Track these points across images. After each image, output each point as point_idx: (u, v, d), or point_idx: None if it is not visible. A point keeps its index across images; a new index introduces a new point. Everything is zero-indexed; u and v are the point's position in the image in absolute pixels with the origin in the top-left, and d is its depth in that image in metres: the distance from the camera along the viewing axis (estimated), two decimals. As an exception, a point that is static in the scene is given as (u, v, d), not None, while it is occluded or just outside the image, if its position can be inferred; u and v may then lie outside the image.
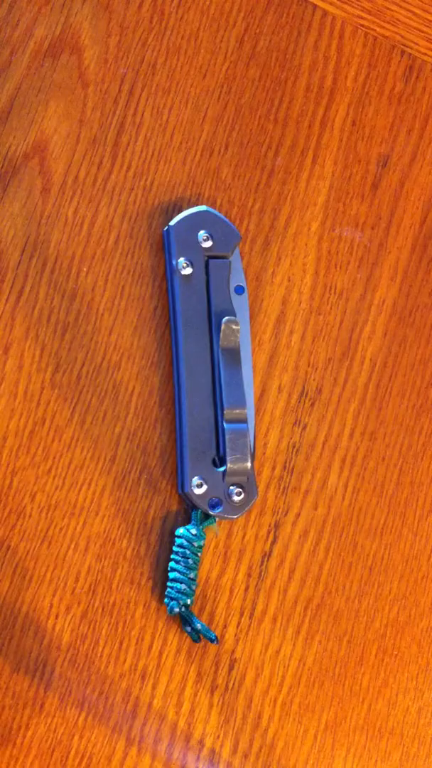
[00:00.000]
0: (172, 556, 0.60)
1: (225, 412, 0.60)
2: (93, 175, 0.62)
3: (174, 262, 0.61)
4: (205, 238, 0.62)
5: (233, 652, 0.61)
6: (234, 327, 0.60)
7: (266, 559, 0.62)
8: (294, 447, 0.64)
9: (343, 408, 0.65)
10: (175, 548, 0.60)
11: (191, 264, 0.61)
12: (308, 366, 0.64)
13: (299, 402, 0.64)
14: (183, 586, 0.59)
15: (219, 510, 0.60)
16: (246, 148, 0.65)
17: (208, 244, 0.62)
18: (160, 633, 0.60)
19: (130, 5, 0.64)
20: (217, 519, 0.61)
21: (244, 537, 0.62)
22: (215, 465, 0.60)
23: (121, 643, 0.59)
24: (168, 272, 0.62)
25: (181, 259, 0.61)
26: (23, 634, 0.58)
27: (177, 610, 0.59)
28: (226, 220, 0.63)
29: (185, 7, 0.65)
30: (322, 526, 0.63)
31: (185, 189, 0.63)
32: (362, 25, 0.68)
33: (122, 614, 0.59)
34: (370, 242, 0.66)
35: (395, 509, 0.65)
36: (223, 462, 0.60)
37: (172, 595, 0.59)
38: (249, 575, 0.62)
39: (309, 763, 0.62)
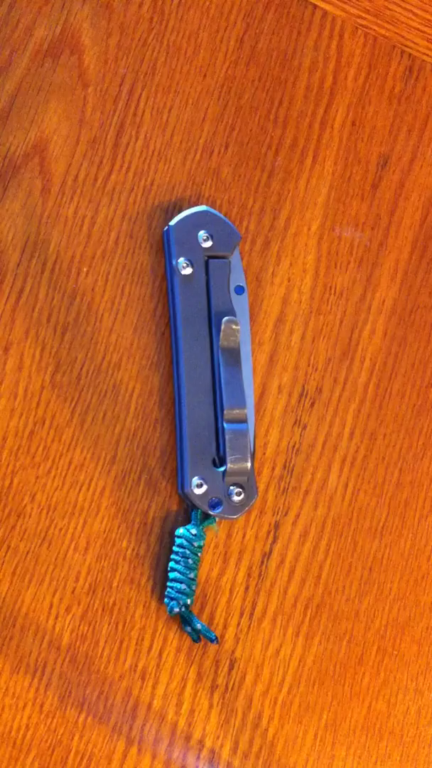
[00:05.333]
0: (172, 556, 0.60)
1: (225, 412, 0.60)
2: (93, 175, 0.62)
3: (174, 262, 0.61)
4: (205, 238, 0.62)
5: (233, 652, 0.61)
6: (234, 327, 0.60)
7: (266, 559, 0.62)
8: (294, 447, 0.64)
9: (343, 408, 0.65)
10: (175, 548, 0.60)
11: (191, 264, 0.61)
12: (308, 366, 0.64)
13: (299, 402, 0.64)
14: (183, 586, 0.59)
15: (219, 510, 0.60)
16: (246, 148, 0.65)
17: (208, 244, 0.62)
18: (160, 633, 0.60)
19: (130, 5, 0.64)
20: (217, 519, 0.61)
21: (244, 537, 0.62)
22: (215, 465, 0.60)
23: (121, 643, 0.59)
24: (168, 272, 0.62)
25: (181, 259, 0.61)
26: (23, 634, 0.58)
27: (177, 610, 0.59)
28: (226, 220, 0.63)
29: (185, 7, 0.65)
30: (322, 526, 0.64)
31: (185, 189, 0.63)
32: (362, 25, 0.68)
33: (122, 614, 0.59)
34: (370, 242, 0.66)
35: (395, 509, 0.65)
36: (223, 462, 0.60)
37: (172, 595, 0.59)
38: (249, 575, 0.62)
39: (309, 763, 0.62)
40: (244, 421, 0.60)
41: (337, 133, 0.67)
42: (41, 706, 0.58)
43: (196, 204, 0.63)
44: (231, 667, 0.61)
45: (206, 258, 0.62)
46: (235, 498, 0.60)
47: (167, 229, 0.62)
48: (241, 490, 0.60)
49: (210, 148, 0.64)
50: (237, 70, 0.65)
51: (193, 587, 0.59)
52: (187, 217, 0.62)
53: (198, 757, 0.60)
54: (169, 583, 0.59)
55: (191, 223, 0.62)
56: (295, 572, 0.63)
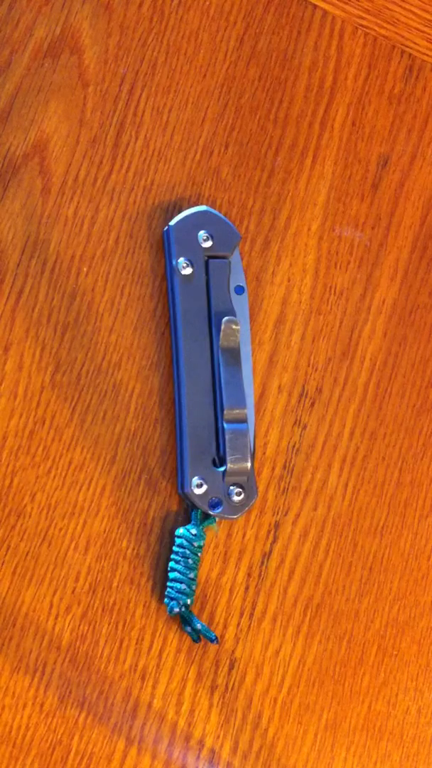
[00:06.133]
0: (172, 556, 0.60)
1: (225, 412, 0.60)
2: (93, 175, 0.62)
3: (174, 262, 0.61)
4: (205, 238, 0.62)
5: (233, 652, 0.61)
6: (234, 327, 0.60)
7: (266, 559, 0.62)
8: (294, 447, 0.64)
9: (343, 408, 0.65)
10: (175, 548, 0.60)
11: (191, 264, 0.61)
12: (308, 366, 0.64)
13: (299, 402, 0.64)
14: (183, 586, 0.59)
15: (219, 510, 0.60)
16: (246, 148, 0.65)
17: (208, 244, 0.62)
18: (160, 633, 0.60)
19: (130, 5, 0.64)
20: (217, 519, 0.61)
21: (244, 537, 0.62)
22: (215, 465, 0.60)
23: (121, 643, 0.59)
24: (168, 272, 0.62)
25: (181, 259, 0.61)
26: (23, 634, 0.58)
27: (177, 610, 0.59)
28: (226, 220, 0.63)
29: (185, 7, 0.65)
30: (322, 526, 0.64)
31: (185, 189, 0.63)
32: (362, 25, 0.68)
33: (122, 614, 0.59)
34: (370, 242, 0.66)
35: (395, 509, 0.65)
36: (223, 462, 0.60)
37: (172, 595, 0.59)
38: (249, 575, 0.62)
39: (309, 763, 0.62)
40: (244, 421, 0.60)
41: (337, 133, 0.67)
42: (41, 706, 0.58)
43: (196, 204, 0.63)
44: (231, 667, 0.61)
45: (206, 258, 0.62)
46: (235, 498, 0.60)
47: (167, 229, 0.62)
48: (241, 490, 0.60)
49: (210, 148, 0.64)
50: (237, 70, 0.65)
51: (193, 587, 0.59)
52: (187, 217, 0.62)
53: (198, 757, 0.60)
54: (169, 583, 0.59)
55: (191, 223, 0.62)
56: (295, 572, 0.63)
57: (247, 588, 0.62)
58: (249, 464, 0.60)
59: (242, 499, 0.61)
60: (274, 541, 0.63)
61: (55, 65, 0.62)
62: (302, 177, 0.66)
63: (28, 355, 0.60)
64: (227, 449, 0.60)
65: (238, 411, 0.60)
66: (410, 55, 0.68)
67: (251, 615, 0.62)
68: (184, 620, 0.60)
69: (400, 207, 0.67)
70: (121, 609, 0.59)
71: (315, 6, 0.67)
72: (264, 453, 0.63)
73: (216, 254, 0.62)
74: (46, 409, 0.60)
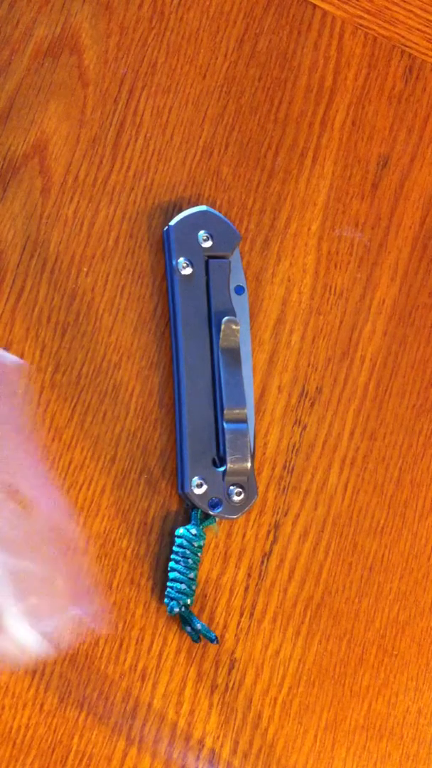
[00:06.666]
0: (172, 556, 0.60)
1: (225, 412, 0.60)
2: (93, 175, 0.62)
3: (174, 262, 0.61)
4: (205, 238, 0.62)
5: (233, 652, 0.61)
6: (234, 327, 0.60)
7: (266, 559, 0.62)
8: (294, 447, 0.64)
9: (343, 408, 0.65)
10: (175, 548, 0.60)
11: (191, 264, 0.61)
12: (308, 366, 0.64)
13: (299, 402, 0.64)
14: (183, 586, 0.59)
15: (219, 510, 0.60)
16: (246, 148, 0.65)
17: (208, 244, 0.62)
18: (160, 633, 0.60)
19: (130, 5, 0.64)
20: (217, 519, 0.61)
21: (244, 537, 0.62)
22: (215, 465, 0.60)
23: (121, 643, 0.59)
24: (168, 272, 0.62)
25: (181, 259, 0.61)
26: (23, 634, 0.58)
27: (177, 610, 0.59)
28: (226, 220, 0.63)
29: (185, 7, 0.65)
30: (322, 526, 0.64)
31: (185, 189, 0.63)
32: (362, 25, 0.68)
33: (122, 614, 0.59)
34: (370, 242, 0.66)
35: (395, 509, 0.65)
36: (223, 462, 0.60)
37: (172, 595, 0.59)
38: (249, 575, 0.62)
39: (309, 763, 0.62)
40: (244, 421, 0.60)
41: (337, 133, 0.67)
42: (41, 706, 0.58)
43: (196, 204, 0.63)
44: (231, 667, 0.61)
45: (206, 258, 0.62)
46: (235, 498, 0.60)
47: (167, 229, 0.62)
48: (241, 490, 0.60)
49: (210, 148, 0.64)
50: (237, 70, 0.65)
51: (193, 587, 0.59)
52: (187, 217, 0.62)
53: (198, 757, 0.60)
54: (169, 583, 0.59)
55: (191, 223, 0.62)
56: (295, 572, 0.63)
57: (247, 588, 0.62)
58: (249, 464, 0.60)
59: (242, 499, 0.61)
60: (274, 541, 0.63)
61: (55, 65, 0.62)
62: (302, 177, 0.66)
63: (28, 355, 0.60)
64: (227, 449, 0.60)
65: (238, 411, 0.60)
66: (410, 55, 0.68)
67: (251, 615, 0.62)
68: (184, 620, 0.60)
69: (400, 207, 0.67)
70: (121, 609, 0.59)
71: (315, 6, 0.67)
72: (264, 453, 0.63)
73: (216, 254, 0.62)
74: (46, 409, 0.60)
